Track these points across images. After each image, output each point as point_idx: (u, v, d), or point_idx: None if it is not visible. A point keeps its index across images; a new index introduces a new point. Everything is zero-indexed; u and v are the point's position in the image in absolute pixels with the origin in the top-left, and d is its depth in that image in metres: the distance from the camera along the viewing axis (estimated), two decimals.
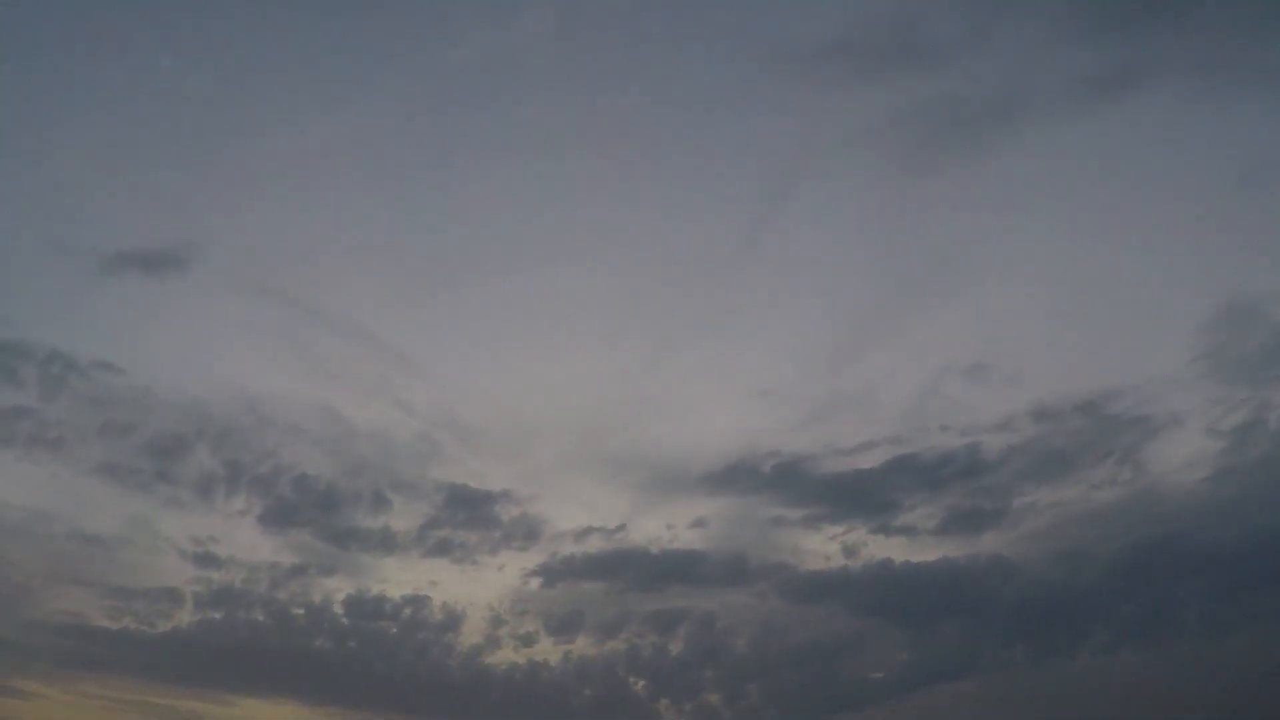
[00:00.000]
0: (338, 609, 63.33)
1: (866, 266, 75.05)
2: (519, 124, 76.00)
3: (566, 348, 75.38)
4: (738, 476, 64.33)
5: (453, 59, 75.16)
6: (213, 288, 70.06)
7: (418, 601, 63.63)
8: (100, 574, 62.91)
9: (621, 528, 64.21)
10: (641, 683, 62.23)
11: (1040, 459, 60.06)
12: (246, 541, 63.91)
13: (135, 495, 63.46)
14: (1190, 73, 62.15)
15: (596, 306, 77.35)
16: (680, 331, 74.98)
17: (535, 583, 63.85)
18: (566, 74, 75.94)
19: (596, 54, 75.50)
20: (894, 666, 60.96)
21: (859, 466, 62.62)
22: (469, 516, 64.63)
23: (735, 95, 75.54)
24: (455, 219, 77.06)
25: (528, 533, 64.41)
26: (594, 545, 64.16)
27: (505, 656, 63.27)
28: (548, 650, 63.29)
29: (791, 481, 63.23)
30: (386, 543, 64.18)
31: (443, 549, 64.09)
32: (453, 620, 63.70)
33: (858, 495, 61.62)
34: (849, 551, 61.80)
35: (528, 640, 63.51)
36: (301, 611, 63.22)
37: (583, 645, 63.50)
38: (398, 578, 64.23)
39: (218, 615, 62.59)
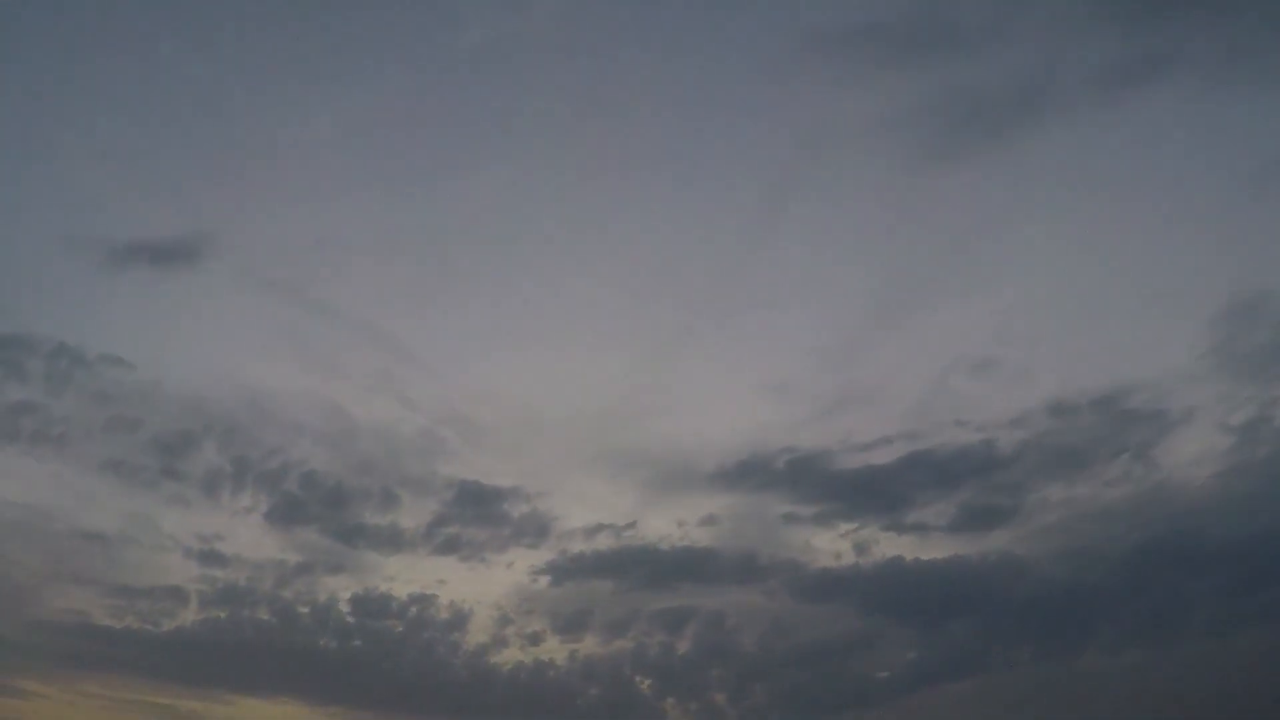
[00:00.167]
0: (343, 607, 63.11)
1: (880, 258, 74.71)
2: (527, 114, 75.52)
3: (574, 342, 75.03)
4: (750, 472, 64.07)
5: (461, 46, 74.48)
6: (222, 281, 69.72)
7: (424, 600, 63.43)
8: (103, 572, 62.57)
9: (632, 525, 64.02)
10: (648, 682, 62.09)
11: (1055, 455, 60.01)
12: (252, 539, 63.75)
13: (140, 492, 63.08)
14: (1211, 64, 61.61)
15: (604, 300, 76.33)
16: (690, 325, 74.03)
17: (543, 581, 63.67)
18: (576, 62, 74.80)
19: (607, 42, 74.37)
20: (900, 666, 60.86)
21: (873, 462, 62.37)
22: (478, 513, 64.43)
23: (748, 84, 74.67)
24: (461, 213, 76.53)
25: (538, 530, 64.22)
26: (604, 543, 64.00)
27: (511, 656, 63.07)
28: (554, 649, 63.13)
29: (805, 477, 63.03)
30: (394, 540, 63.97)
31: (451, 546, 63.87)
32: (459, 619, 63.46)
33: (871, 491, 61.47)
34: (860, 549, 61.73)
35: (534, 639, 63.32)
36: (307, 610, 62.99)
37: (590, 644, 63.37)
38: (405, 575, 63.97)
39: (222, 614, 62.31)
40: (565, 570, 63.45)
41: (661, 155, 76.30)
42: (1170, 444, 58.60)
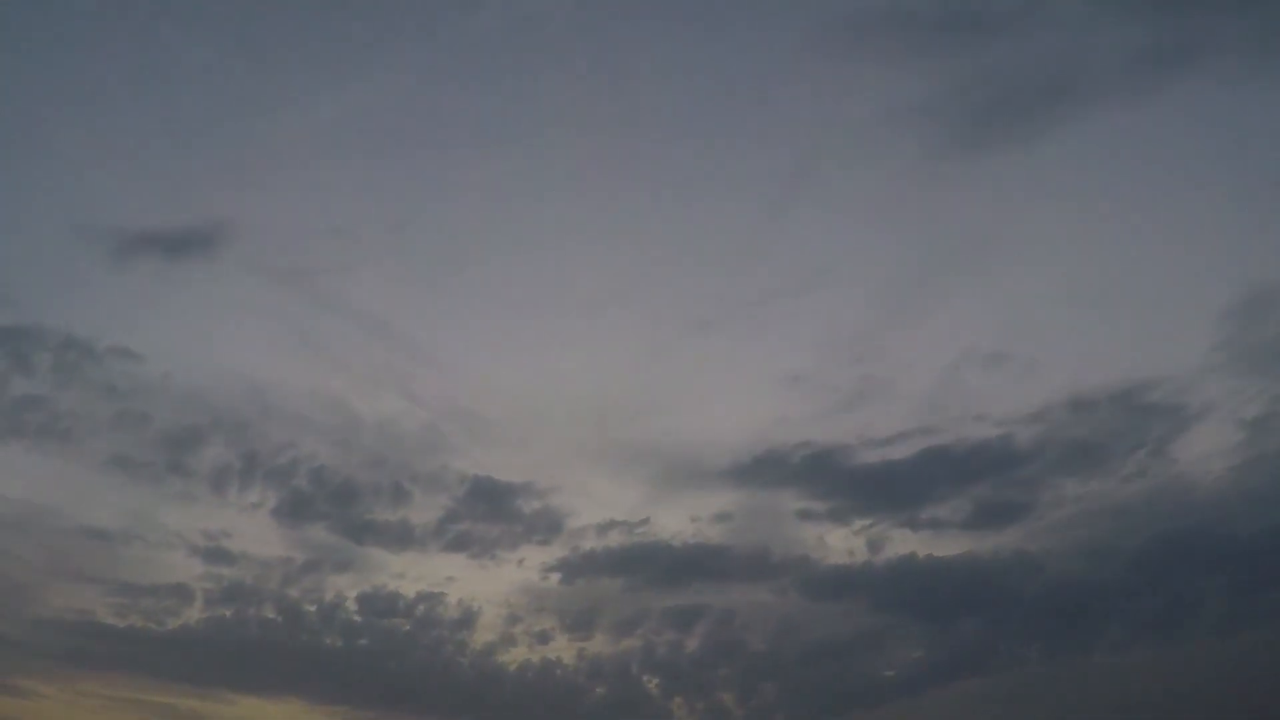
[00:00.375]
0: (350, 605, 62.66)
1: (896, 250, 75.58)
2: (537, 102, 74.81)
3: (582, 334, 75.33)
4: (765, 467, 63.84)
5: (472, 28, 73.82)
6: (232, 272, 69.58)
7: (432, 598, 62.91)
8: (108, 570, 62.04)
9: (645, 521, 63.75)
10: (656, 681, 61.72)
11: (1072, 450, 60.09)
12: (259, 536, 63.39)
13: (146, 488, 62.71)
14: (1238, 54, 61.82)
15: (614, 291, 76.40)
16: (702, 316, 74.03)
17: (554, 578, 63.40)
18: (589, 46, 74.42)
19: (622, 24, 74.00)
20: (908, 664, 60.77)
21: (890, 457, 62.27)
22: (489, 510, 64.12)
23: (764, 71, 74.91)
24: (468, 202, 76.28)
25: (549, 526, 63.93)
26: (616, 539, 63.67)
27: (519, 654, 62.69)
28: (562, 647, 62.74)
29: (821, 473, 62.87)
30: (403, 537, 63.59)
31: (461, 543, 63.48)
32: (468, 617, 63.03)
33: (887, 487, 61.48)
34: (873, 546, 61.65)
35: (543, 637, 62.93)
36: (313, 609, 62.57)
37: (599, 642, 63.09)
38: (413, 573, 63.60)
39: (227, 612, 61.77)
40: (576, 567, 63.33)
41: (675, 146, 76.31)
42: (1186, 439, 58.95)
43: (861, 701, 60.27)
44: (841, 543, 61.96)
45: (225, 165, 73.46)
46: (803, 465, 62.99)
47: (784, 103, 74.58)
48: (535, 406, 70.35)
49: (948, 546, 60.67)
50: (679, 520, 63.85)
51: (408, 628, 62.43)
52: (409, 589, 62.62)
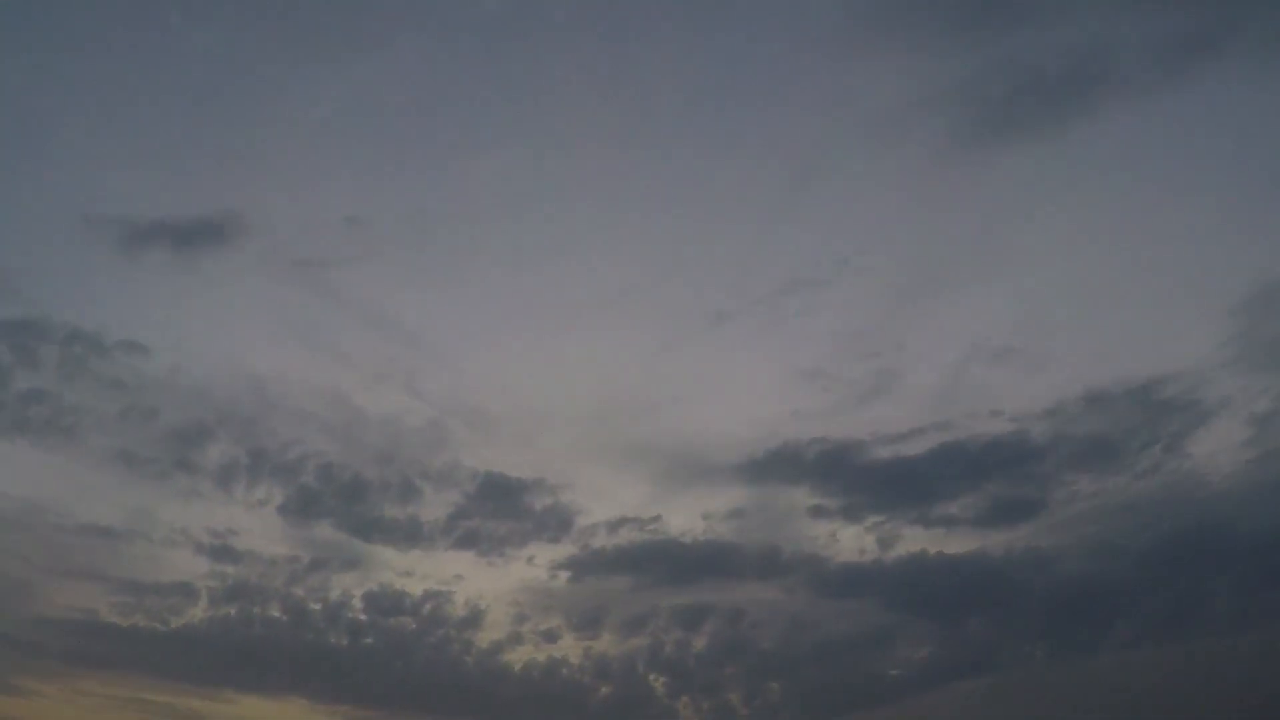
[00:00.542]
0: (356, 604, 62.35)
1: (913, 242, 73.71)
2: (544, 89, 73.08)
3: (590, 327, 74.02)
4: (778, 464, 63.15)
5: (483, 12, 72.48)
6: (241, 264, 68.38)
7: (439, 597, 62.61)
8: (111, 568, 61.65)
9: (656, 518, 63.34)
10: (662, 680, 61.44)
11: (1087, 446, 59.52)
12: (265, 533, 63.05)
13: (152, 485, 62.23)
14: (1264, 43, 60.12)
15: (623, 282, 75.04)
16: (714, 310, 71.93)
17: (563, 576, 63.02)
18: (597, 34, 72.13)
19: (630, 13, 71.20)
20: (915, 663, 60.64)
21: (904, 454, 61.71)
22: (499, 506, 63.60)
23: (779, 58, 72.67)
24: (474, 192, 75.08)
25: (560, 523, 63.42)
26: (626, 537, 63.24)
27: (525, 653, 62.41)
28: (569, 646, 62.46)
29: (835, 469, 62.36)
30: (411, 534, 63.15)
31: (470, 540, 63.07)
32: (474, 616, 62.72)
33: (900, 484, 61.15)
34: (884, 543, 61.40)
35: (550, 636, 62.64)
36: (319, 607, 62.19)
37: (606, 641, 62.78)
38: (421, 571, 63.31)
39: (232, 611, 61.34)
40: (586, 565, 62.97)
41: (685, 134, 74.41)
42: (1199, 435, 58.27)
43: (868, 700, 60.06)
44: (853, 540, 61.81)
45: (236, 152, 72.06)
46: (816, 461, 62.67)
47: (801, 90, 72.81)
48: (545, 402, 69.86)
49: (959, 544, 60.55)
50: (690, 517, 63.69)
51: (414, 626, 62.29)
52: (416, 587, 62.56)
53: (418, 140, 75.84)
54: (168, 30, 70.11)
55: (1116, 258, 69.83)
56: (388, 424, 66.20)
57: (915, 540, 60.70)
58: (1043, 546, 59.28)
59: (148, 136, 72.24)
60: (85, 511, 61.16)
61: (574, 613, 62.51)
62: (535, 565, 62.96)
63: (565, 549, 62.92)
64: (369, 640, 61.90)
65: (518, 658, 61.87)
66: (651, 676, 61.25)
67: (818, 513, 62.35)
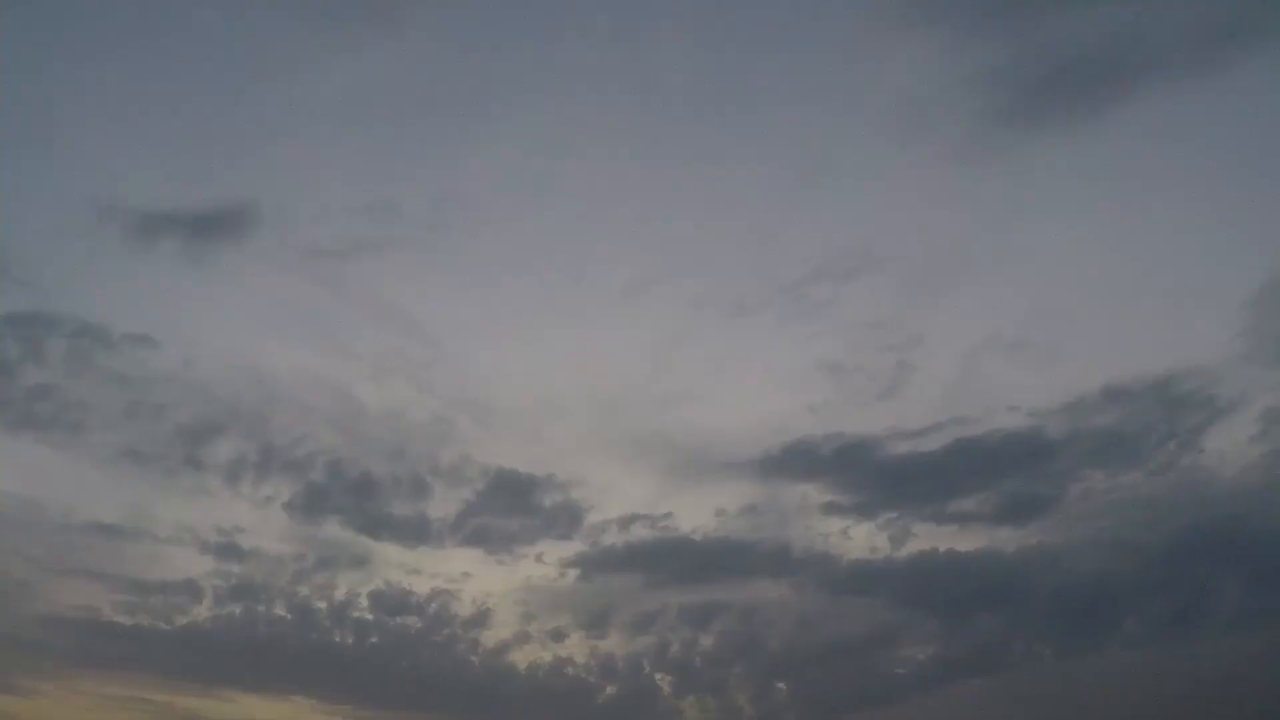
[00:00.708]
0: (362, 602, 61.78)
1: (933, 233, 73.96)
2: (550, 78, 73.14)
3: (598, 319, 74.02)
4: (793, 459, 62.66)
5: (493, 8, 72.30)
6: (251, 256, 67.98)
7: (446, 596, 62.09)
8: (115, 566, 61.01)
9: (667, 515, 62.83)
10: (668, 680, 61.06)
11: (1104, 441, 59.23)
12: (272, 531, 62.45)
13: (157, 482, 61.74)
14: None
15: (639, 275, 74.32)
16: (729, 302, 71.83)
17: (572, 574, 62.51)
18: (603, 23, 72.39)
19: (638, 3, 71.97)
20: (922, 662, 60.24)
21: (920, 449, 61.21)
22: (509, 503, 62.99)
23: (792, 48, 72.96)
24: (479, 185, 74.38)
25: (570, 520, 62.83)
26: (637, 534, 62.61)
27: (531, 653, 61.94)
28: (576, 645, 62.04)
29: (850, 465, 61.92)
30: (420, 532, 62.57)
31: (479, 538, 62.47)
32: (481, 615, 62.20)
33: (916, 480, 60.72)
34: (896, 540, 60.93)
35: (557, 635, 62.21)
36: (324, 606, 61.58)
37: (613, 640, 62.36)
38: (428, 569, 62.72)
39: (237, 610, 60.78)
40: (595, 563, 62.41)
41: (703, 126, 75.11)
42: (1215, 430, 58.16)
43: (874, 700, 59.85)
44: (865, 538, 61.46)
45: (248, 144, 72.08)
46: (832, 457, 62.27)
47: (818, 82, 73.51)
48: (555, 396, 69.42)
49: (971, 541, 60.29)
50: (702, 514, 63.25)
51: (420, 626, 61.83)
52: (423, 585, 62.06)
53: (430, 135, 76.07)
54: (180, 20, 69.72)
55: (1133, 252, 70.19)
56: (397, 420, 65.83)
57: (927, 537, 60.63)
58: (1054, 543, 59.32)
59: (159, 126, 72.28)
60: (89, 509, 60.81)
61: (582, 611, 62.29)
62: (544, 563, 62.70)
63: (575, 546, 62.62)
64: (374, 639, 61.59)
65: (524, 657, 61.69)
66: (658, 676, 61.06)
67: (830, 509, 62.14)
